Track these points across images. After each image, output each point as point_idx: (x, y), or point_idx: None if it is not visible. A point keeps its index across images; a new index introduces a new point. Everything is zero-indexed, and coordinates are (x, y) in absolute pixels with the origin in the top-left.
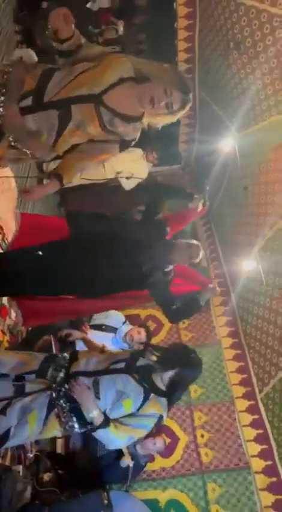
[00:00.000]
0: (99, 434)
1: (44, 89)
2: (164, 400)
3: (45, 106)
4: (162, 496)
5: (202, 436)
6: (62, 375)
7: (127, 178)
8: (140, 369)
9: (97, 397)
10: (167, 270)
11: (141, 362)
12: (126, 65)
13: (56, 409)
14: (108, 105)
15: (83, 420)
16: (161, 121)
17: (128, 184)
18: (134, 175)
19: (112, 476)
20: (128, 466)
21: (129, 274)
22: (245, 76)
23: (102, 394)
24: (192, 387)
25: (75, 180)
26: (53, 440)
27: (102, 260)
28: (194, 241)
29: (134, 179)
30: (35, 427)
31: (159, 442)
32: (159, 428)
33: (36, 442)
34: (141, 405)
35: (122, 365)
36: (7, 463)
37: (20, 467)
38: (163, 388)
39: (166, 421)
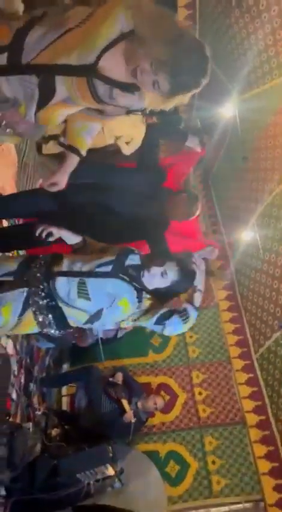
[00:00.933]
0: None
1: (21, 46)
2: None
3: (23, 69)
4: (162, 448)
5: (200, 393)
6: (42, 273)
7: (127, 143)
8: (128, 269)
9: (87, 298)
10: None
11: (129, 261)
12: (128, 13)
13: (32, 307)
14: (103, 74)
15: (61, 322)
16: (152, 102)
17: (128, 149)
18: (133, 140)
19: (115, 432)
20: (130, 422)
21: (128, 226)
22: (247, 36)
23: (92, 296)
24: (191, 347)
25: (89, 144)
26: (59, 398)
27: (99, 213)
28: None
29: (134, 144)
30: (10, 319)
31: (160, 401)
32: (158, 388)
33: (43, 400)
34: (139, 302)
35: (108, 268)
36: (18, 420)
37: (30, 424)
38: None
39: (165, 379)
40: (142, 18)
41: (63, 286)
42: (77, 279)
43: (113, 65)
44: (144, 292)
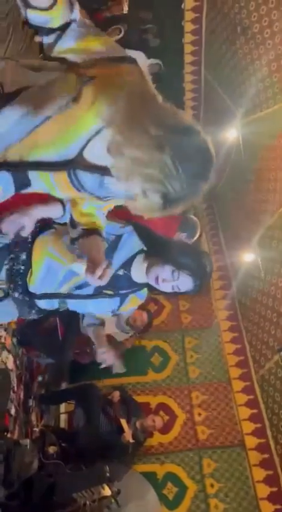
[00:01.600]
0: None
1: None
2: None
3: None
4: (160, 469)
5: (199, 414)
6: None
7: None
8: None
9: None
10: None
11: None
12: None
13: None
14: (88, 163)
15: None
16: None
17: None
18: None
19: (113, 452)
20: (128, 442)
21: None
22: (251, 62)
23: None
24: (191, 367)
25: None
26: (57, 415)
27: None
28: (193, 217)
29: None
30: None
31: (158, 421)
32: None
33: (42, 417)
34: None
35: (90, 290)
36: (15, 437)
37: (27, 441)
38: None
39: (164, 399)
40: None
41: (45, 304)
42: (56, 300)
43: (99, 151)
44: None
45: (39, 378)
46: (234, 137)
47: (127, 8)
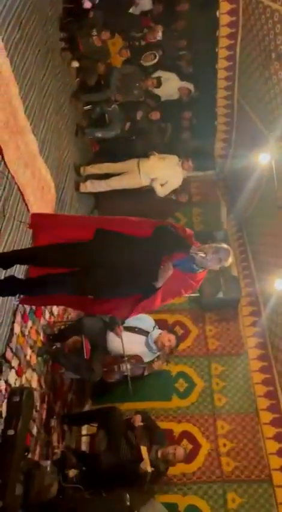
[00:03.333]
0: None
1: None
2: None
3: None
4: (182, 501)
5: (224, 445)
6: None
7: (161, 185)
8: None
9: None
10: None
11: None
12: None
13: None
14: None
15: None
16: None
17: (162, 191)
18: (168, 183)
19: (131, 479)
20: (146, 472)
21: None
22: None
23: None
24: (217, 395)
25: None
26: (78, 437)
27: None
28: (224, 245)
29: (168, 186)
30: None
31: (180, 452)
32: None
33: (63, 438)
34: None
35: None
36: (36, 457)
37: (48, 463)
38: None
39: (189, 426)
40: None
41: None
42: None
43: None
44: None
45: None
46: (266, 163)
47: (161, 35)
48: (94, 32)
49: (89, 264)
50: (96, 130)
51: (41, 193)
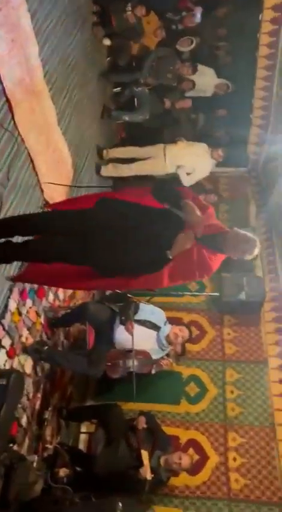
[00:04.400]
0: None
1: None
2: None
3: None
4: None
5: (234, 459)
6: None
7: (188, 174)
8: None
9: None
10: None
11: None
12: None
13: None
14: None
15: None
16: None
17: (187, 180)
18: (195, 172)
19: (127, 485)
20: (145, 479)
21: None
22: None
23: None
24: (230, 404)
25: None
26: (77, 434)
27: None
28: (251, 235)
29: (195, 175)
30: None
31: (186, 460)
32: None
33: (58, 433)
34: None
35: None
36: (23, 451)
37: (35, 458)
38: None
39: (197, 435)
40: None
41: None
42: None
43: None
44: None
45: None
46: None
47: (200, 18)
48: (129, 7)
49: (88, 229)
50: (123, 113)
51: (55, 166)
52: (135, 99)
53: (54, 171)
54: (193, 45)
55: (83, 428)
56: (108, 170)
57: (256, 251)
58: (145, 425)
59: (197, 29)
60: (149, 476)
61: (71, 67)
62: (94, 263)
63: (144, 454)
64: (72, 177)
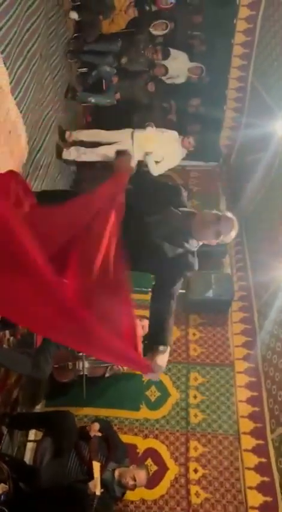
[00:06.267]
0: None
1: None
2: None
3: None
4: None
5: (196, 470)
6: None
7: (157, 162)
8: None
9: None
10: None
11: None
12: None
13: None
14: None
15: None
16: None
17: (156, 169)
18: (164, 160)
19: (75, 501)
20: (94, 494)
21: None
22: None
23: None
24: (193, 410)
25: None
26: (22, 444)
27: None
28: (228, 214)
29: (163, 164)
30: None
31: (141, 476)
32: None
33: None
34: None
35: None
36: None
37: None
38: None
39: (156, 444)
40: None
41: None
42: None
43: None
44: None
45: None
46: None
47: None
48: None
49: None
50: (90, 95)
51: (5, 138)
52: (103, 81)
53: (3, 144)
54: (167, 30)
55: (31, 436)
56: (70, 154)
57: (233, 233)
58: (99, 433)
59: (172, 13)
60: (98, 491)
61: (30, 32)
62: None
63: (96, 466)
64: (28, 156)
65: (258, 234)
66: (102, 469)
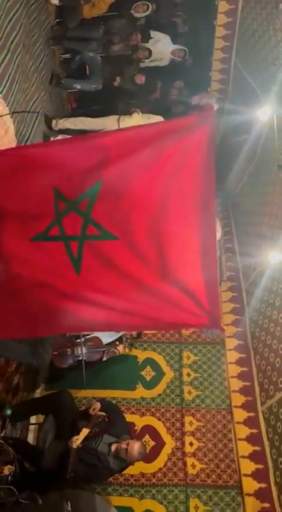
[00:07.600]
0: None
1: None
2: None
3: None
4: (138, 506)
5: (191, 444)
6: None
7: None
8: None
9: None
10: None
11: None
12: None
13: None
14: None
15: None
16: None
17: None
18: None
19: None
20: (71, 447)
21: None
22: None
23: None
24: (187, 388)
25: None
26: (25, 427)
27: None
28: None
29: None
30: None
31: (134, 445)
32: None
33: (3, 426)
34: None
35: None
36: None
37: None
38: None
39: (153, 421)
40: None
41: None
42: None
43: None
44: None
45: None
46: (265, 119)
47: None
48: None
49: None
50: (74, 81)
51: None
52: (87, 67)
53: None
54: (149, 12)
55: (33, 420)
56: (62, 123)
57: (219, 233)
58: (99, 412)
59: None
60: (75, 445)
61: (12, 24)
62: None
63: (84, 432)
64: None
65: (245, 216)
66: (90, 435)
